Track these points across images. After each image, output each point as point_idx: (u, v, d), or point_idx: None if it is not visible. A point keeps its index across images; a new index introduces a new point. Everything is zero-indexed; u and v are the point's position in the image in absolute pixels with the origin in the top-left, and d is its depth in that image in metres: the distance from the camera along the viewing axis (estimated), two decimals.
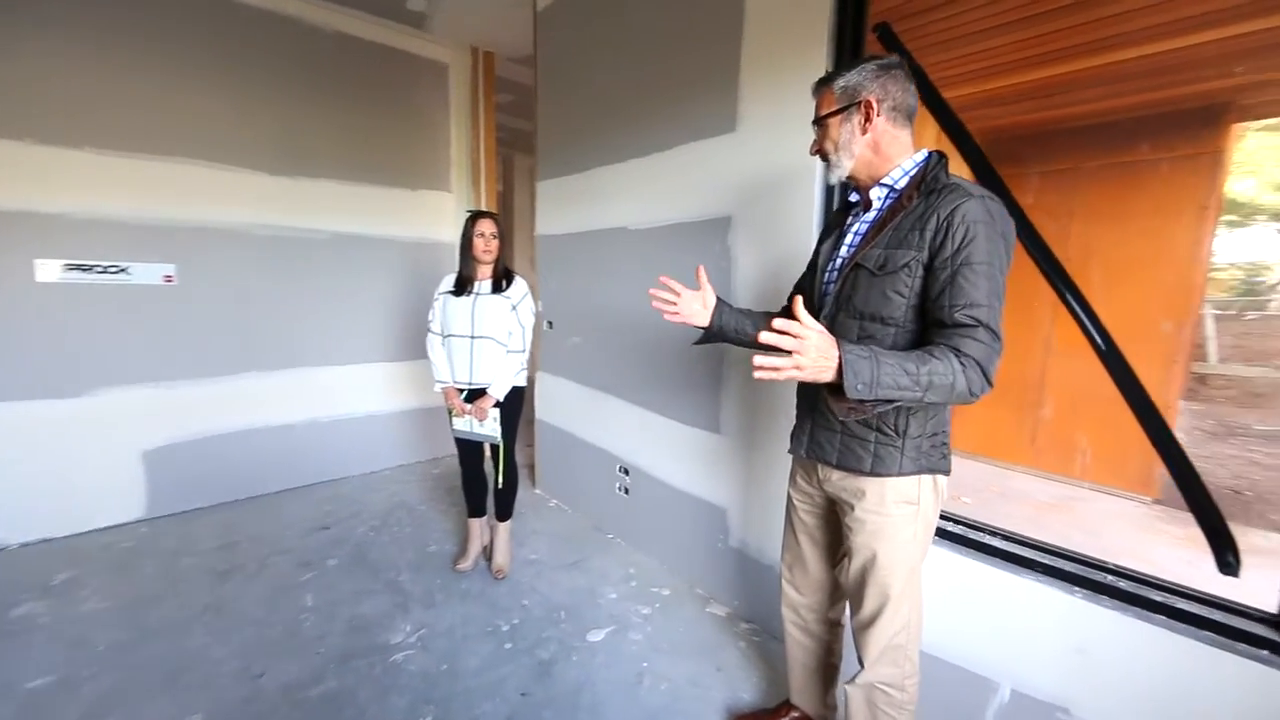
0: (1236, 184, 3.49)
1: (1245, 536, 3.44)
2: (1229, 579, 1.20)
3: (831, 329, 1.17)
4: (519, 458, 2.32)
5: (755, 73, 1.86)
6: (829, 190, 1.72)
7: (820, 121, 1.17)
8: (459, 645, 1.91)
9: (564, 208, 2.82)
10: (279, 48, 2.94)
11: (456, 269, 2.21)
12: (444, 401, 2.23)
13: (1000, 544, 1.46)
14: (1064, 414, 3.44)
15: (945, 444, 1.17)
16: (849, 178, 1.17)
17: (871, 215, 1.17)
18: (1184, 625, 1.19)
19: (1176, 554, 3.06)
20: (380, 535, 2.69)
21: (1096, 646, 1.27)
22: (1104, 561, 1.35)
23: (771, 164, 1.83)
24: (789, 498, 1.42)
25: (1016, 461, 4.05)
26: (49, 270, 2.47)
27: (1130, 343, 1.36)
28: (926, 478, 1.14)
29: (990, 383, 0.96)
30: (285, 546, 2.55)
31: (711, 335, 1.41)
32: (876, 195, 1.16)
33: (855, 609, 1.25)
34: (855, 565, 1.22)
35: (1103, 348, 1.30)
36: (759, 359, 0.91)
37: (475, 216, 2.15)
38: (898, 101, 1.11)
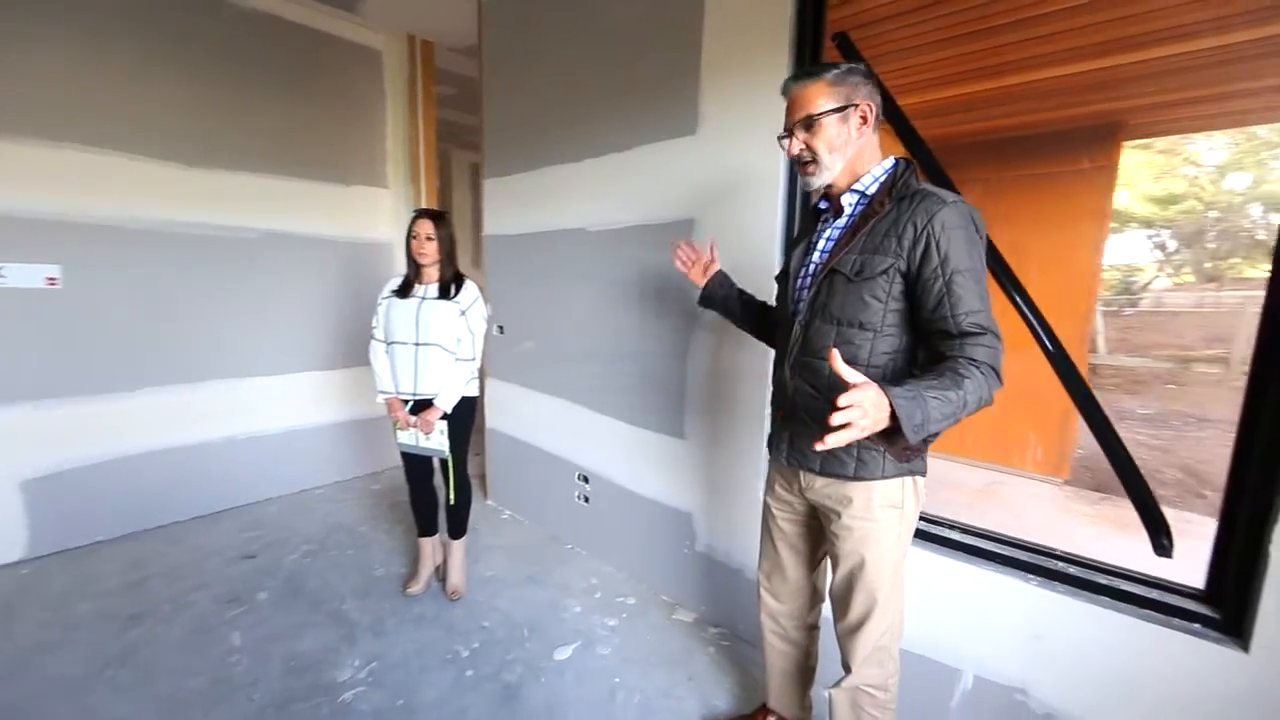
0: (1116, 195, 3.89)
1: (1126, 511, 3.79)
2: (1163, 560, 1.30)
3: (806, 335, 1.17)
4: (469, 468, 2.20)
5: (716, 75, 1.85)
6: (792, 195, 1.74)
7: (812, 120, 1.11)
8: (415, 677, 1.78)
9: (515, 207, 2.71)
10: (195, 25, 2.63)
11: (401, 271, 2.06)
12: (389, 414, 2.07)
13: (960, 537, 1.53)
14: (988, 408, 3.67)
15: (923, 445, 1.19)
16: (826, 185, 1.16)
17: (843, 221, 1.17)
18: (1127, 605, 1.28)
19: (1088, 530, 3.39)
20: (317, 561, 2.47)
21: (1052, 630, 1.35)
22: (1054, 549, 1.44)
23: (734, 167, 1.83)
24: (766, 506, 1.41)
25: (947, 451, 4.33)
26: None
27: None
28: (908, 479, 1.16)
29: (1002, 382, 0.98)
30: (205, 580, 2.29)
31: (705, 298, 1.55)
32: (848, 201, 1.16)
33: (842, 614, 1.24)
34: (842, 572, 1.22)
35: (1051, 349, 1.38)
36: (830, 439, 0.86)
37: (415, 216, 2.01)
38: (879, 108, 1.12)
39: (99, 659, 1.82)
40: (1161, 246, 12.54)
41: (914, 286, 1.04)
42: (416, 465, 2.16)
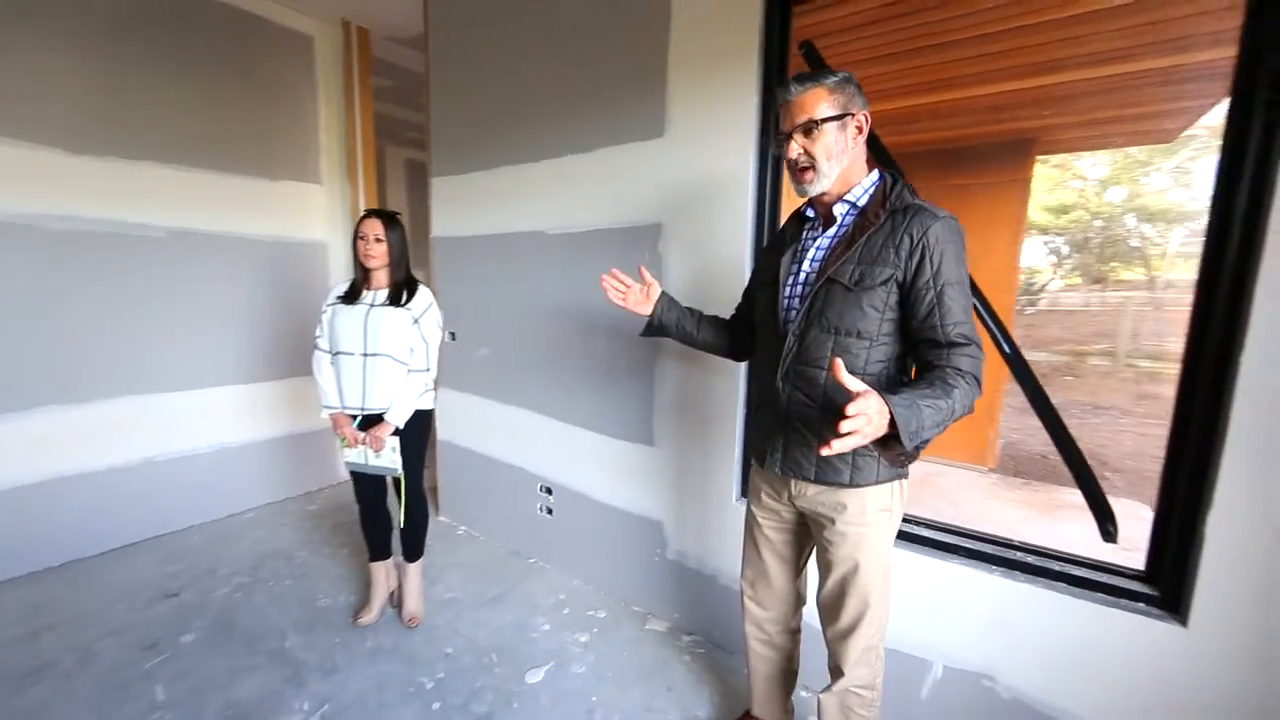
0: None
1: (1058, 494, 4.16)
2: (1108, 545, 1.42)
3: (802, 344, 1.17)
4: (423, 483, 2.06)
5: (684, 78, 1.83)
6: (761, 201, 1.75)
7: (811, 126, 1.10)
8: (375, 715, 1.65)
9: (467, 208, 2.58)
10: None
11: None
12: (335, 430, 1.91)
13: (926, 533, 1.59)
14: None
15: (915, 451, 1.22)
16: (820, 192, 1.16)
17: (834, 231, 1.18)
18: (1080, 589, 1.38)
19: (1016, 513, 3.67)
20: (252, 594, 2.24)
21: (1014, 617, 1.43)
22: (1012, 540, 1.53)
23: (704, 171, 1.82)
24: (751, 514, 1.41)
25: None
26: None
27: None
28: (896, 484, 1.18)
29: (982, 390, 1.03)
30: (117, 625, 2.02)
31: (653, 327, 1.48)
32: (839, 211, 1.17)
33: (833, 619, 1.25)
34: (835, 577, 1.23)
35: (1009, 352, 1.47)
36: (836, 444, 0.88)
37: (363, 216, 1.87)
38: (869, 121, 1.13)
39: None
40: (1056, 251, 13.93)
41: (907, 295, 1.07)
42: (367, 485, 2.00)
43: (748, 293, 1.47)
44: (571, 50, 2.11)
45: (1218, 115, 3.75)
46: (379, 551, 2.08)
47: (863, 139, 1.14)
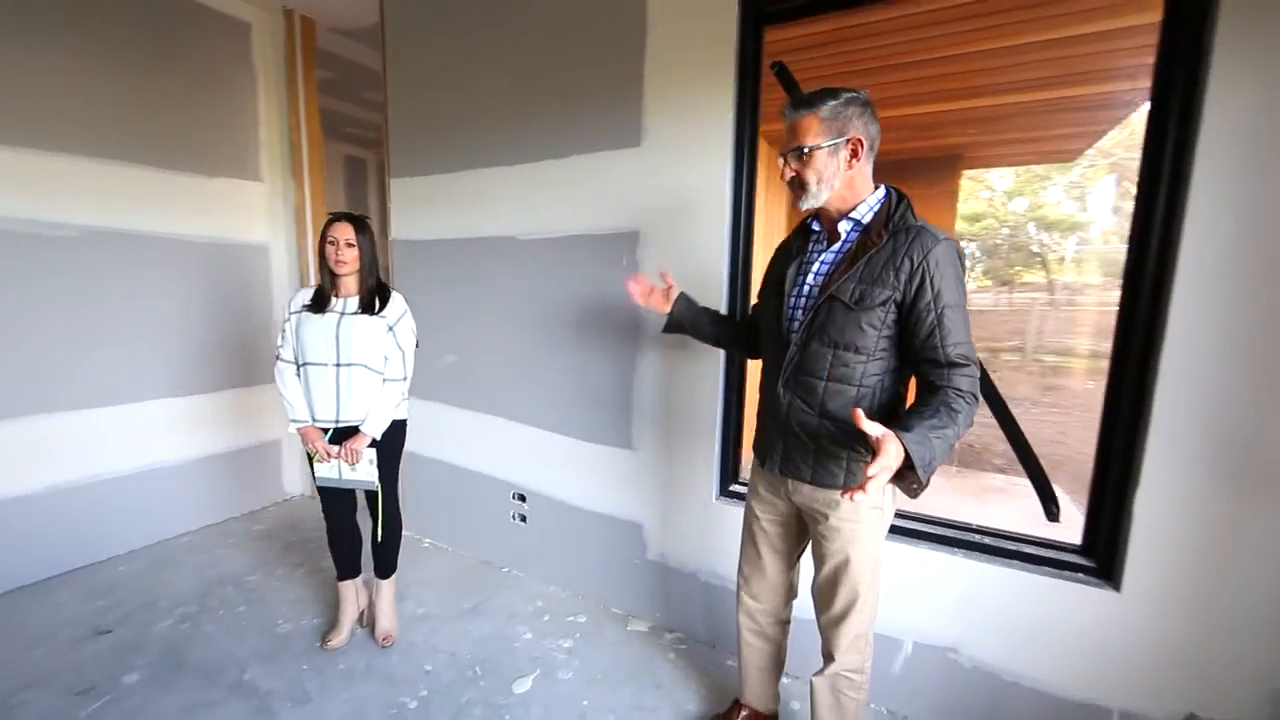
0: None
1: (985, 480, 4.55)
2: (1053, 524, 1.59)
3: (803, 355, 1.24)
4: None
5: (661, 91, 1.88)
6: (737, 213, 1.83)
7: (803, 151, 1.16)
8: None
9: (430, 210, 2.51)
10: None
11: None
12: (303, 445, 1.81)
13: (897, 521, 1.71)
14: None
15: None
16: (818, 209, 1.23)
17: (837, 247, 1.24)
18: (1030, 565, 1.53)
19: (950, 499, 3.99)
20: (199, 625, 2.07)
21: (975, 595, 1.57)
22: (971, 524, 1.68)
23: (682, 183, 1.87)
24: (749, 509, 1.47)
25: None
26: None
27: None
28: (887, 485, 1.27)
29: (979, 403, 1.12)
30: (43, 672, 1.81)
31: (673, 324, 1.59)
32: (844, 228, 1.22)
33: (825, 607, 1.34)
34: (828, 568, 1.31)
35: None
36: (871, 487, 0.94)
37: (331, 219, 1.78)
38: (873, 139, 1.19)
39: None
40: (970, 255, 15.18)
41: (906, 316, 1.13)
42: (337, 500, 1.91)
43: (759, 296, 1.51)
44: (545, 58, 2.11)
45: (1111, 139, 4.25)
46: (349, 569, 1.99)
47: (864, 159, 1.18)
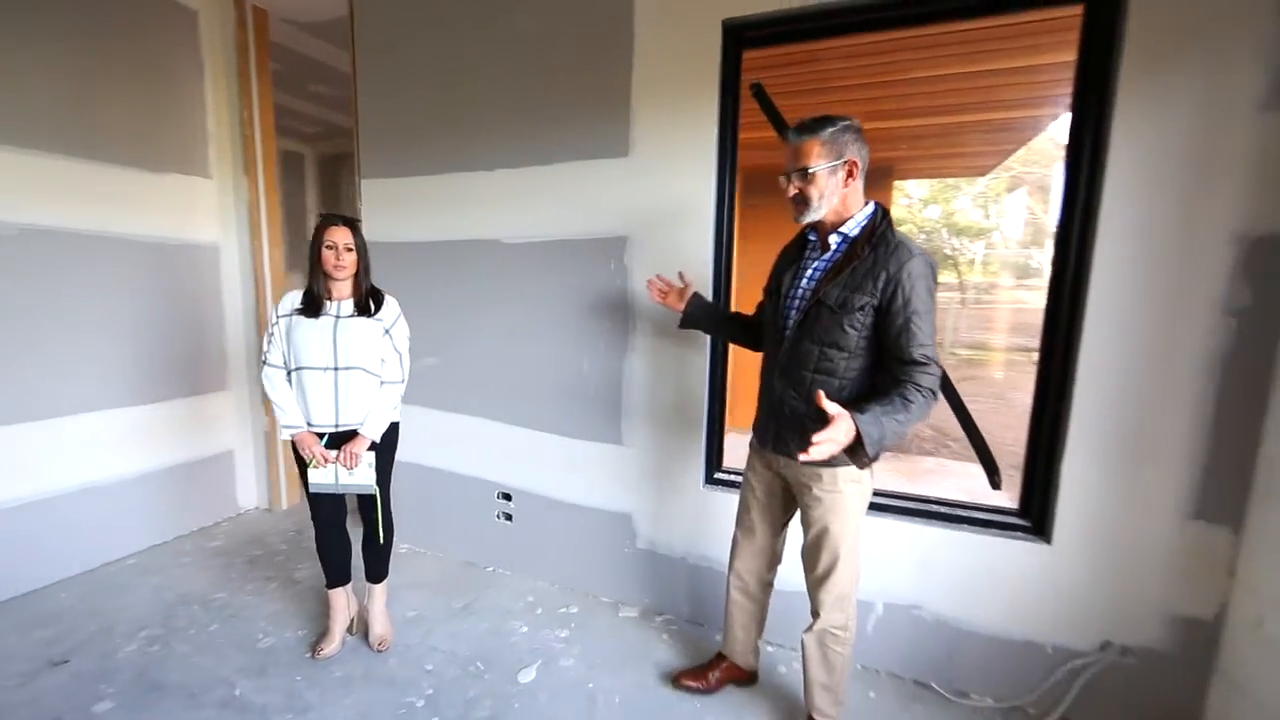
0: None
1: (919, 463, 4.99)
2: (996, 493, 1.86)
3: (795, 351, 1.41)
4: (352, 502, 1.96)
5: (648, 105, 1.99)
6: (720, 222, 1.98)
7: (806, 173, 1.32)
8: None
9: (407, 213, 2.49)
10: None
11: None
12: (302, 451, 1.76)
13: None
14: None
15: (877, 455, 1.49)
16: (816, 220, 1.39)
17: (828, 257, 1.41)
18: (978, 528, 1.79)
19: (890, 480, 4.37)
20: (170, 647, 1.97)
21: (934, 557, 1.81)
22: (929, 496, 1.92)
23: (670, 193, 2.00)
24: (746, 480, 1.66)
25: None
26: None
27: None
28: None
29: (939, 399, 1.31)
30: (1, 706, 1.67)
31: (688, 321, 1.76)
32: (834, 241, 1.40)
33: (811, 568, 1.52)
34: (813, 533, 1.49)
35: None
36: (812, 452, 1.18)
37: (326, 222, 1.76)
38: (864, 161, 1.36)
39: None
40: None
41: (881, 319, 1.31)
42: (329, 507, 1.88)
43: (764, 296, 1.66)
44: (531, 66, 2.17)
45: (1015, 156, 4.80)
46: (339, 577, 1.96)
47: (858, 179, 1.36)
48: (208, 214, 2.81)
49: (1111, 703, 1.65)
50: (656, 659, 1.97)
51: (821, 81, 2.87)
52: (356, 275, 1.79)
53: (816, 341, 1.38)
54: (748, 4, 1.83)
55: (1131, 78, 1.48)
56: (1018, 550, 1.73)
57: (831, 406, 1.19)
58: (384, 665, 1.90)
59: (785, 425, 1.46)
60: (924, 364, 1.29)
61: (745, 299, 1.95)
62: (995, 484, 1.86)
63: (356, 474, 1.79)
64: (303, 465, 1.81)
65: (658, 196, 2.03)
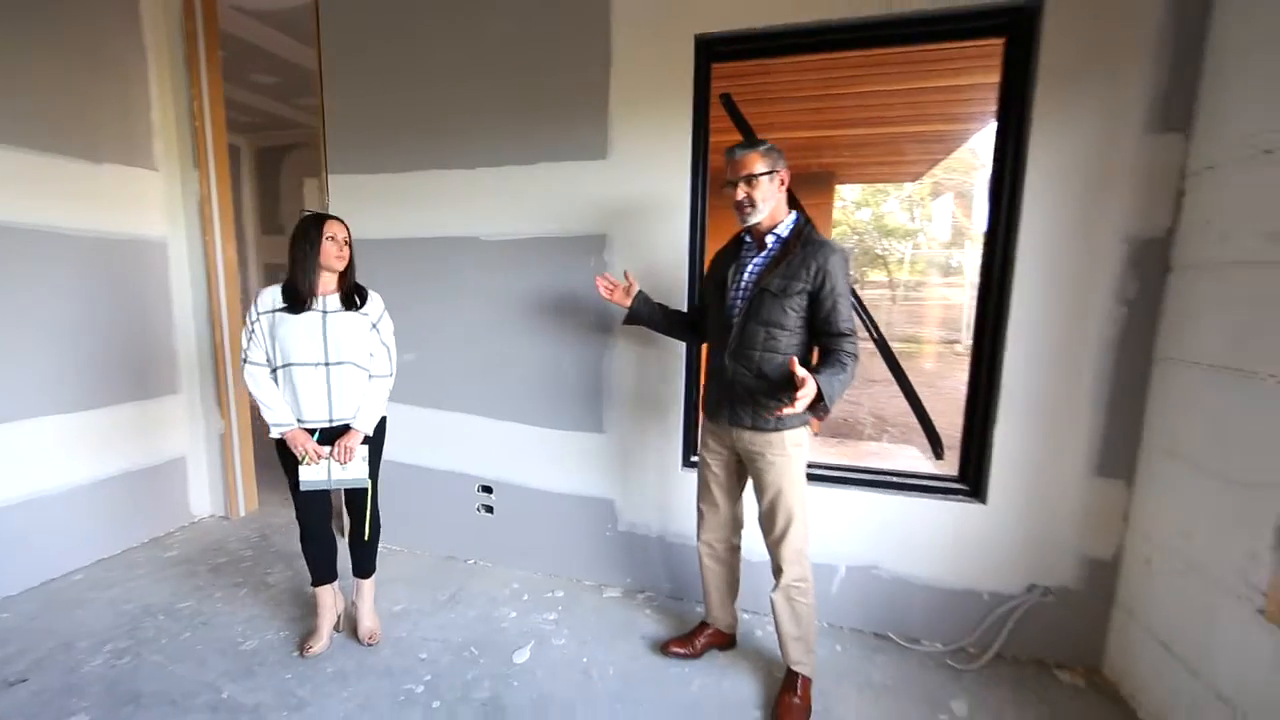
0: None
1: (860, 447, 5.39)
2: (940, 463, 2.11)
3: (743, 333, 1.62)
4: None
5: (625, 112, 2.10)
6: (694, 220, 2.12)
7: (752, 177, 1.55)
8: None
9: (379, 209, 2.48)
10: None
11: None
12: (294, 448, 1.75)
13: (826, 473, 2.13)
14: None
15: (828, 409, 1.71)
16: (755, 223, 1.60)
17: (765, 253, 1.63)
18: (925, 494, 2.03)
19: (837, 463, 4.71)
20: (140, 658, 1.90)
21: (888, 521, 2.03)
22: (882, 468, 2.15)
23: (647, 193, 2.12)
24: (702, 460, 1.83)
25: None
26: None
27: None
28: (804, 428, 1.67)
29: (859, 361, 1.54)
30: None
31: (631, 317, 1.90)
32: (769, 240, 1.62)
33: (770, 529, 1.70)
34: (767, 498, 1.67)
35: (877, 338, 2.07)
36: (797, 405, 1.39)
37: (321, 219, 1.76)
38: (788, 177, 1.61)
39: None
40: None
41: (813, 302, 1.55)
42: (317, 505, 1.88)
43: (701, 293, 1.86)
44: (511, 70, 2.22)
45: (940, 164, 5.27)
46: (326, 574, 1.96)
47: (784, 188, 1.61)
48: (154, 208, 2.68)
49: (1037, 635, 1.93)
50: (643, 632, 2.09)
51: (773, 92, 3.09)
52: (347, 270, 1.81)
53: (762, 323, 1.58)
54: (716, 22, 1.99)
55: (1044, 101, 1.74)
56: (958, 511, 1.98)
57: (801, 370, 1.41)
58: (377, 658, 1.92)
59: (738, 400, 1.65)
60: (849, 334, 1.55)
61: None
62: (939, 454, 2.12)
63: (350, 469, 1.81)
64: (289, 464, 1.80)
65: (634, 197, 2.14)
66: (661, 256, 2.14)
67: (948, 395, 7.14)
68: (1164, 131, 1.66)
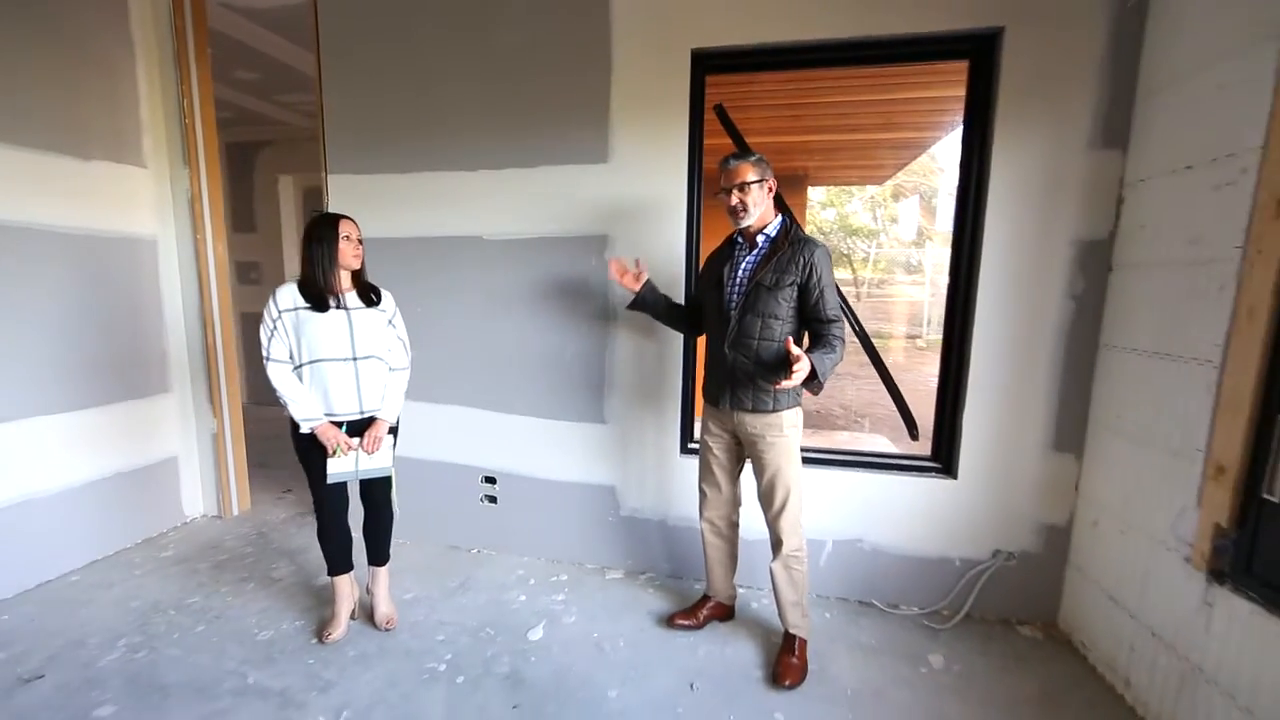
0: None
1: (834, 436, 5.67)
2: (915, 443, 2.32)
3: (740, 324, 1.78)
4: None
5: (626, 119, 2.23)
6: (690, 222, 2.27)
7: (744, 185, 1.72)
8: (405, 706, 1.71)
9: (380, 209, 2.53)
10: None
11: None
12: (325, 441, 1.80)
13: (815, 455, 2.32)
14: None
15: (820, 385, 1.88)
16: (746, 226, 1.77)
17: (756, 252, 1.80)
18: (902, 472, 2.23)
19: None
20: (157, 652, 1.93)
21: (871, 497, 2.23)
22: (864, 449, 2.34)
23: (647, 195, 2.25)
24: (704, 441, 1.98)
25: None
26: None
27: None
28: (797, 409, 1.84)
29: (845, 344, 1.72)
30: None
31: (636, 303, 2.01)
32: (760, 240, 1.79)
33: (769, 505, 1.86)
34: (767, 476, 1.83)
35: (858, 329, 2.26)
36: (795, 378, 1.56)
37: (335, 219, 1.82)
38: (775, 184, 1.79)
39: None
40: None
41: (802, 293, 1.72)
42: (337, 496, 1.94)
43: (696, 290, 2.01)
44: (514, 78, 2.31)
45: (906, 169, 5.57)
46: (343, 564, 2.02)
47: (772, 194, 1.78)
48: (143, 205, 2.65)
49: (1001, 596, 2.16)
50: (648, 608, 2.23)
51: (754, 100, 3.26)
52: (362, 268, 1.88)
53: (759, 314, 1.75)
54: (711, 38, 2.13)
55: (1005, 119, 1.95)
56: (933, 486, 2.19)
57: (796, 350, 1.58)
58: (396, 641, 2.00)
59: (739, 385, 1.81)
60: (837, 320, 1.73)
61: None
62: (914, 436, 2.33)
63: (376, 458, 1.88)
64: (311, 458, 1.85)
65: (634, 199, 2.28)
66: (660, 254, 2.27)
67: (911, 386, 7.54)
68: (1105, 147, 1.89)
